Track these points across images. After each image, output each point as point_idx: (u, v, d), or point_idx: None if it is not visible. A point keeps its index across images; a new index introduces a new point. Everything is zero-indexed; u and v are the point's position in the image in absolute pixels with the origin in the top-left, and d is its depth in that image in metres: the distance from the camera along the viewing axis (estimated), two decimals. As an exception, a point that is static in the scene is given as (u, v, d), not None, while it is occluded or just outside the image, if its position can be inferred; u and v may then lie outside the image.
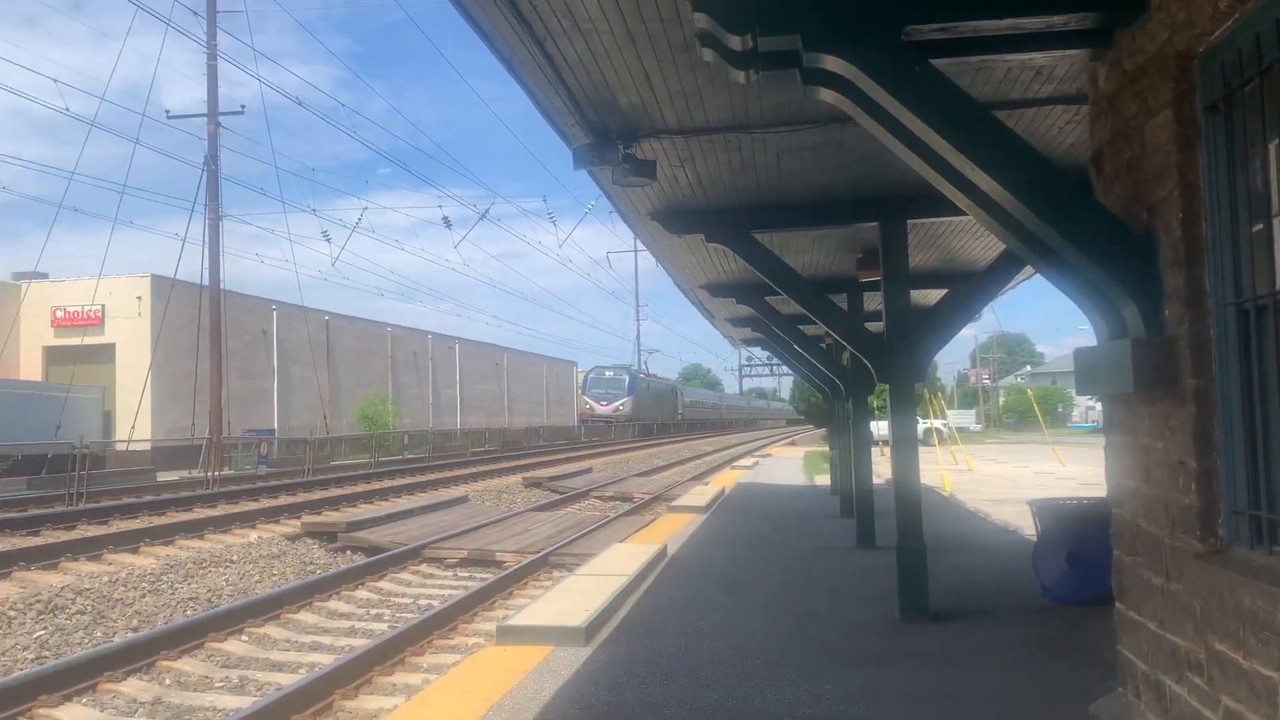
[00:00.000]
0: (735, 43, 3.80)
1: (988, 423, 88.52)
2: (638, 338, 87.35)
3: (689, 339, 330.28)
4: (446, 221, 39.23)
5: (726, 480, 24.96)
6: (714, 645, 6.80)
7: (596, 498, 24.44)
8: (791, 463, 32.92)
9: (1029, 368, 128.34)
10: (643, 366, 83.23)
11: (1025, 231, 3.76)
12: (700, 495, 18.92)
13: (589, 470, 31.94)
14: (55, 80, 70.68)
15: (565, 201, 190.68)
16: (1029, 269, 9.82)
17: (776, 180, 7.87)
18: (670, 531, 13.51)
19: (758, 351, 43.13)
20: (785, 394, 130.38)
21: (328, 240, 36.61)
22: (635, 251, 76.50)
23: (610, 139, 6.47)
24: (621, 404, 69.79)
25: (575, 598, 8.02)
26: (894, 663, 6.27)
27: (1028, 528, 10.92)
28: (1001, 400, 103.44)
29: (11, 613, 9.97)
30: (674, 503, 18.38)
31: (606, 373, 72.42)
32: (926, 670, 6.08)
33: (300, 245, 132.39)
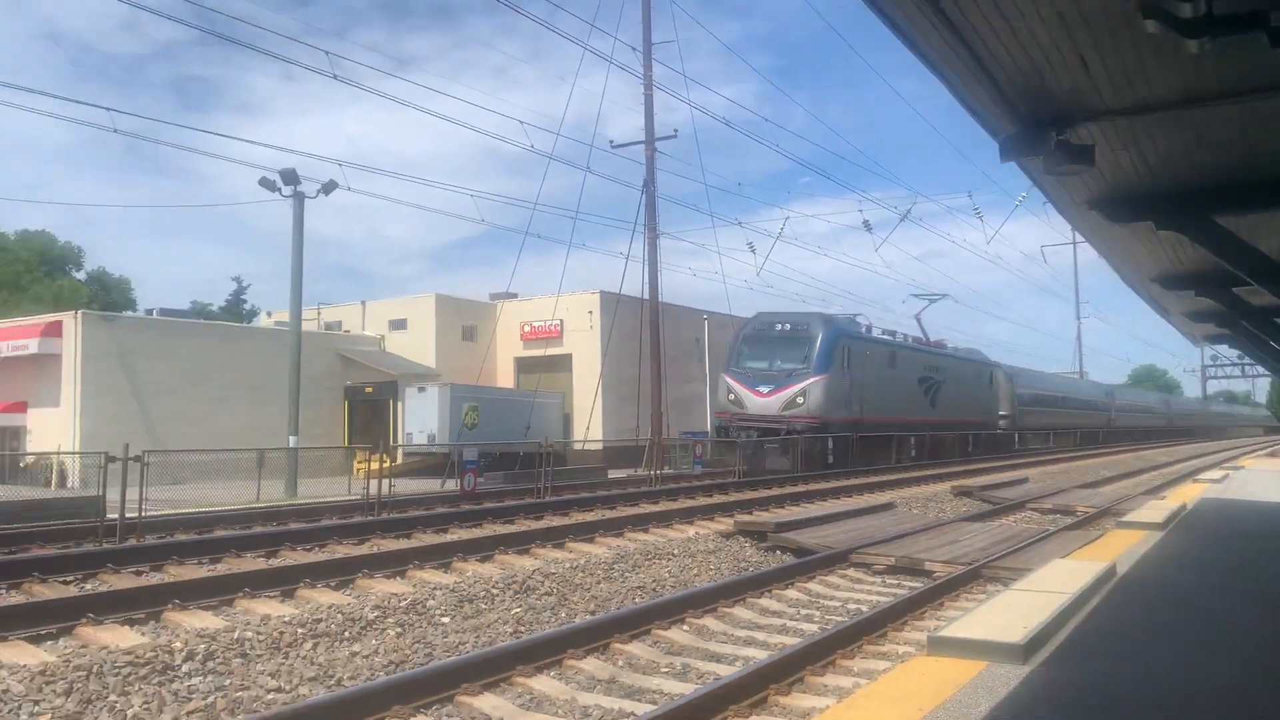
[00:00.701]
0: (1185, 10, 3.47)
1: None
2: (1078, 337, 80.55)
3: (1140, 338, 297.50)
4: (867, 225, 38.96)
5: (1187, 495, 22.31)
6: (1172, 676, 6.15)
7: (1033, 509, 23.00)
8: (1270, 476, 28.69)
9: None
10: (901, 332, 41.57)
11: None
12: (1156, 510, 17.08)
13: (1024, 480, 30.13)
14: (521, 122, 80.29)
15: (992, 196, 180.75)
16: None
17: (1241, 156, 6.98)
18: (1120, 549, 12.37)
19: (1224, 350, 38.13)
20: (1261, 397, 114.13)
21: (752, 251, 38.00)
22: (1073, 244, 70.48)
23: (1041, 127, 6.13)
24: (800, 392, 30.87)
25: (1011, 613, 7.63)
26: None
27: None
28: None
29: (494, 590, 11.49)
30: (1123, 518, 16.76)
31: (776, 327, 32.80)
32: None
33: (727, 257, 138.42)
